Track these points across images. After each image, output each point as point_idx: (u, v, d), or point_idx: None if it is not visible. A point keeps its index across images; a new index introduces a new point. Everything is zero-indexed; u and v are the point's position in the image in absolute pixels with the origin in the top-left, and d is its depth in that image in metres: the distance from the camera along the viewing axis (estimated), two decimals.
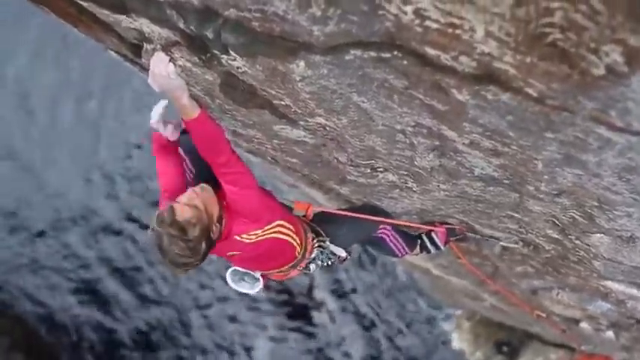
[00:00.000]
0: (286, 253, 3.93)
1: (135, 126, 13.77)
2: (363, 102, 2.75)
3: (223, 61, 2.80)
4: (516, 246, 4.57)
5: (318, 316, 14.01)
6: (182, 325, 14.66)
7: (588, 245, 3.74)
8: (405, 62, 2.26)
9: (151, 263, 14.32)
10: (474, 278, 6.90)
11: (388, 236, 4.87)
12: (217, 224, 3.43)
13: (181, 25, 2.65)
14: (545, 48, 1.83)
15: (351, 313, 13.82)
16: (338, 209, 4.76)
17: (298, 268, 4.16)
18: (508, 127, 2.43)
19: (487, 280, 5.90)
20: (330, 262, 4.39)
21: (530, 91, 2.07)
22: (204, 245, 3.33)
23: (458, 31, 1.93)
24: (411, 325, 13.50)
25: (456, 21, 1.89)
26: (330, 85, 2.67)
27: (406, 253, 5.14)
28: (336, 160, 3.89)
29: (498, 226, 4.25)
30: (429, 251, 5.22)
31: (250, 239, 3.63)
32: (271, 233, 3.70)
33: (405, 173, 3.70)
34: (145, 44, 3.06)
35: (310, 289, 13.88)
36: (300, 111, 3.17)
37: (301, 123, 3.41)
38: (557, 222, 3.61)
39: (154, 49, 3.00)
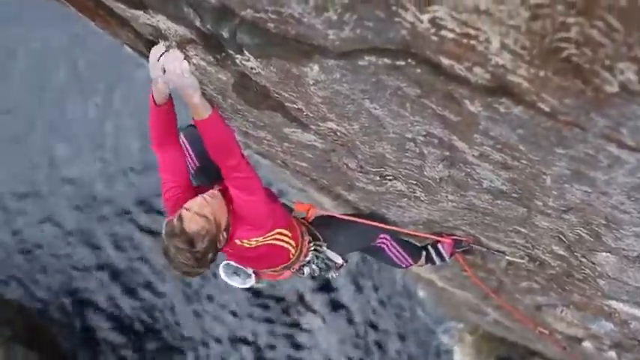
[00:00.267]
0: (281, 256, 3.94)
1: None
2: (375, 109, 2.75)
3: (237, 61, 2.80)
4: (522, 261, 4.56)
5: (308, 322, 13.91)
6: (180, 323, 14.64)
7: (594, 263, 3.73)
8: (419, 71, 2.26)
9: (154, 257, 14.30)
10: (478, 292, 6.87)
11: (387, 246, 4.85)
12: (224, 233, 3.44)
13: (198, 23, 2.66)
14: (559, 63, 1.82)
15: (344, 319, 13.74)
16: (339, 214, 4.76)
17: (292, 269, 4.16)
18: (519, 141, 2.42)
19: (491, 294, 5.88)
20: (326, 268, 4.38)
21: (542, 105, 2.06)
22: (210, 255, 3.35)
23: (473, 42, 1.93)
24: (408, 337, 13.40)
25: (472, 32, 1.89)
26: (342, 90, 2.67)
27: (410, 263, 5.12)
28: (345, 166, 3.89)
29: (505, 240, 4.24)
30: (434, 262, 5.20)
31: (250, 245, 3.65)
32: (270, 240, 3.71)
33: (414, 182, 3.70)
34: (160, 41, 3.06)
35: (301, 295, 13.81)
36: (311, 115, 3.17)
37: (312, 127, 3.41)
38: (563, 239, 3.60)
39: (170, 46, 3.01)
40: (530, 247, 4.12)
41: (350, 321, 13.71)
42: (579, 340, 6.61)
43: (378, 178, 3.86)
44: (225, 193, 3.49)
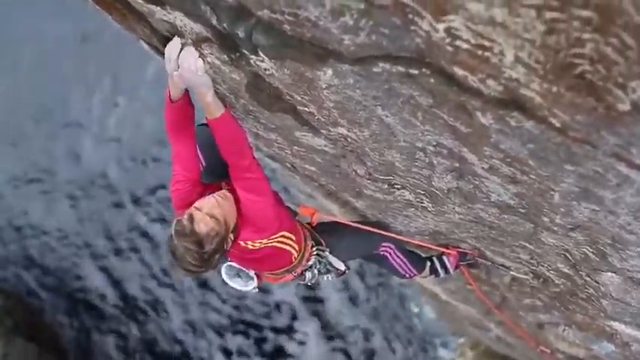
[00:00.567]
0: (283, 259, 3.93)
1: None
2: (387, 116, 2.75)
3: (252, 61, 2.81)
4: (526, 277, 4.55)
5: (299, 334, 13.86)
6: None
7: (598, 283, 3.71)
8: (432, 80, 2.26)
9: (160, 252, 14.31)
10: (481, 307, 6.86)
11: (391, 255, 4.83)
12: (232, 234, 3.44)
13: (214, 21, 2.66)
14: (573, 79, 1.82)
15: (335, 330, 13.70)
16: (344, 220, 4.75)
17: (293, 273, 4.15)
18: (528, 155, 2.42)
19: (494, 309, 5.86)
20: (327, 274, 4.36)
21: (554, 121, 2.06)
22: (217, 256, 3.36)
23: (487, 54, 1.93)
24: (406, 349, 13.31)
25: (487, 43, 1.88)
26: (355, 96, 2.67)
27: (414, 274, 5.10)
28: (354, 173, 3.88)
29: (510, 255, 4.23)
30: (438, 274, 5.19)
31: (254, 246, 3.65)
32: (274, 242, 3.71)
33: (422, 192, 3.69)
34: (176, 37, 3.07)
35: (291, 303, 13.77)
36: (323, 119, 3.18)
37: (323, 131, 3.41)
38: (569, 257, 3.58)
39: (186, 44, 3.02)
40: (535, 263, 4.11)
41: (342, 332, 13.65)
42: None
43: (386, 186, 3.86)
44: (233, 193, 3.49)
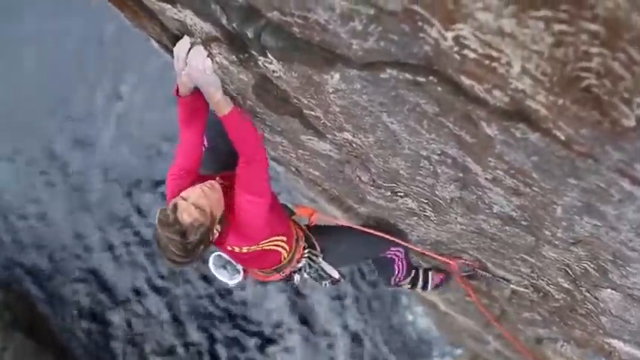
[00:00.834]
0: (272, 258, 3.92)
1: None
2: (392, 123, 2.75)
3: (260, 62, 2.82)
4: (526, 291, 4.54)
5: (286, 340, 13.83)
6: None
7: (598, 299, 3.70)
8: (439, 89, 2.26)
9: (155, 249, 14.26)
10: (480, 319, 6.84)
11: (399, 258, 4.80)
12: (218, 226, 3.41)
13: (224, 21, 2.67)
14: (579, 92, 1.82)
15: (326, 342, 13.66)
16: (346, 222, 4.73)
17: (282, 273, 4.11)
18: (532, 168, 2.42)
19: (493, 322, 5.84)
20: (318, 279, 4.33)
21: (558, 133, 2.06)
22: (201, 247, 3.32)
23: (494, 64, 1.93)
24: (401, 357, 13.25)
25: (494, 53, 1.89)
26: (361, 102, 2.68)
27: (399, 280, 5.06)
28: (358, 179, 3.89)
29: (511, 267, 4.22)
30: (415, 286, 5.16)
31: (241, 251, 3.65)
32: (263, 246, 3.70)
33: (425, 201, 3.69)
34: (185, 36, 3.08)
35: (281, 308, 13.75)
36: (329, 124, 3.18)
37: (328, 136, 3.42)
38: (569, 271, 3.58)
39: (195, 43, 3.03)
40: (536, 277, 4.10)
41: (331, 338, 13.60)
42: None
43: (389, 193, 3.86)
44: (226, 190, 3.48)
